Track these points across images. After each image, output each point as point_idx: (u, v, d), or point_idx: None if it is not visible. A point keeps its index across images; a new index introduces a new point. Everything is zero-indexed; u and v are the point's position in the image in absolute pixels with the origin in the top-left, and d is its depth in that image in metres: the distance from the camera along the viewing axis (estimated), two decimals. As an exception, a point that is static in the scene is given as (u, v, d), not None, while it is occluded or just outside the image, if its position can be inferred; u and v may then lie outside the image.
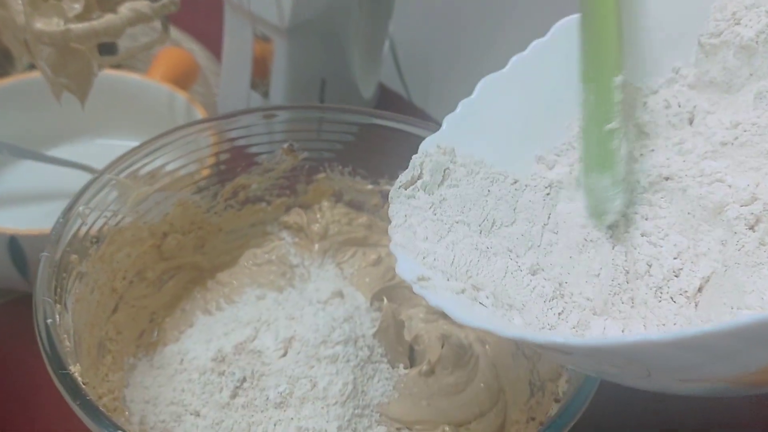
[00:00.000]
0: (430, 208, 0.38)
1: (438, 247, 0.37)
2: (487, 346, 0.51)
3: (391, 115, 0.53)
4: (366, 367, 0.46)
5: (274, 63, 0.67)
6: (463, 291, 0.35)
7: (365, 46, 0.71)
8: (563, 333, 0.36)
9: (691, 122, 0.39)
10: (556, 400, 0.41)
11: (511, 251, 0.39)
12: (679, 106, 0.39)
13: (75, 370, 0.36)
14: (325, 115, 0.55)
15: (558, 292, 0.38)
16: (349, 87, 0.72)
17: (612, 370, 0.30)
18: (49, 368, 0.36)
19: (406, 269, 0.35)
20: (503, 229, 0.39)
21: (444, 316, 0.52)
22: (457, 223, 0.39)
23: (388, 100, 0.79)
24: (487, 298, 0.35)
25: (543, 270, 0.39)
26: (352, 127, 0.54)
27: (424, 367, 0.47)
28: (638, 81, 0.41)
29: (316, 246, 0.56)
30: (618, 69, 0.38)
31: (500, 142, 0.41)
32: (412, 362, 0.49)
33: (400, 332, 0.49)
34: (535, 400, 0.46)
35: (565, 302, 0.37)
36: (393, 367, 0.48)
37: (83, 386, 0.36)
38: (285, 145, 0.54)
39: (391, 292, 0.53)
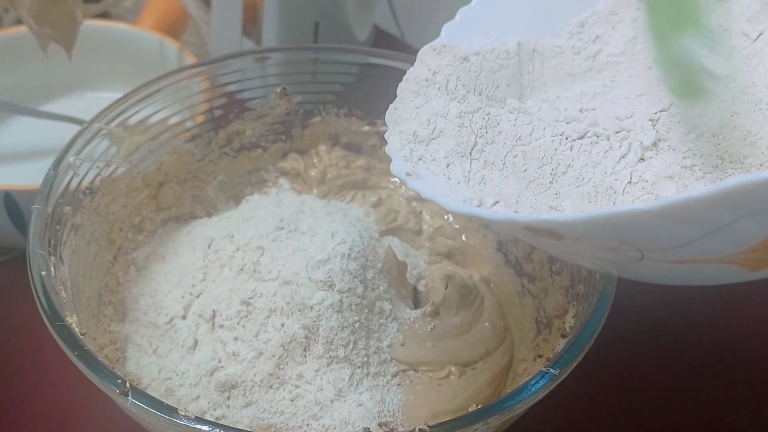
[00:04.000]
0: (419, 107, 0.39)
1: (428, 146, 0.37)
2: (492, 285, 0.51)
3: (387, 53, 0.52)
4: (372, 307, 0.45)
5: (265, 7, 0.65)
6: (451, 181, 0.35)
7: (358, -15, 0.69)
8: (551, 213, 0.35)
9: None
10: (563, 336, 0.41)
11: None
12: None
13: (72, 320, 0.36)
14: (319, 55, 0.54)
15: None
16: (343, 29, 0.71)
17: (605, 255, 0.30)
18: (45, 320, 0.36)
19: (397, 167, 0.36)
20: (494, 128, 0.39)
21: (448, 256, 0.52)
22: (448, 119, 0.39)
23: (383, 41, 0.78)
24: (474, 190, 0.35)
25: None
26: (347, 68, 0.53)
27: (429, 309, 0.47)
28: None
29: (315, 191, 0.55)
30: None
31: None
32: (416, 304, 0.49)
33: (403, 274, 0.49)
34: (542, 338, 0.45)
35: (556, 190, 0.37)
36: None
37: (81, 336, 0.35)
38: (278, 89, 0.53)
39: (393, 234, 0.53)
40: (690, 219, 0.25)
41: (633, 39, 0.41)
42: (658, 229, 0.26)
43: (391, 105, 0.40)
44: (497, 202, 0.34)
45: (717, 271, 0.29)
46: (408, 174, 0.36)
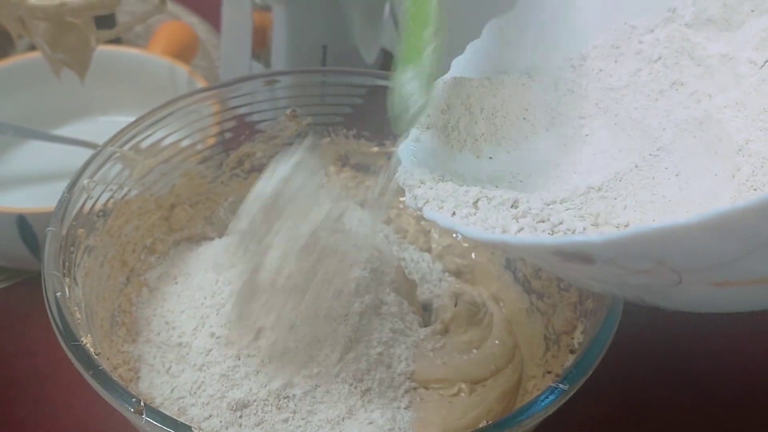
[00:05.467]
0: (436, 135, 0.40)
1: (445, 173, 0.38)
2: (501, 303, 0.51)
3: (395, 76, 0.52)
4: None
5: (274, 32, 0.66)
6: (470, 206, 0.35)
7: (365, 9, 0.70)
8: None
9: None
10: (572, 352, 0.41)
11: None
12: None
13: (87, 341, 0.36)
14: (327, 78, 0.55)
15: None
16: (351, 53, 0.71)
17: (639, 279, 0.28)
18: (60, 340, 0.36)
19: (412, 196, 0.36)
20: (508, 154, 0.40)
21: (457, 274, 0.53)
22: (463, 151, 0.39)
23: (391, 64, 0.78)
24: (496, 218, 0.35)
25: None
26: (355, 90, 0.54)
27: (438, 326, 0.47)
28: (633, 19, 0.40)
29: (324, 211, 0.55)
30: None
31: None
32: (425, 322, 0.49)
33: (413, 292, 0.49)
34: (551, 354, 0.46)
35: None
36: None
37: (96, 356, 0.36)
38: (288, 111, 0.54)
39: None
40: (734, 233, 0.23)
41: (636, 72, 0.41)
42: (700, 246, 0.24)
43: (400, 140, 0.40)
44: (522, 228, 0.33)
45: (757, 293, 0.27)
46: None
